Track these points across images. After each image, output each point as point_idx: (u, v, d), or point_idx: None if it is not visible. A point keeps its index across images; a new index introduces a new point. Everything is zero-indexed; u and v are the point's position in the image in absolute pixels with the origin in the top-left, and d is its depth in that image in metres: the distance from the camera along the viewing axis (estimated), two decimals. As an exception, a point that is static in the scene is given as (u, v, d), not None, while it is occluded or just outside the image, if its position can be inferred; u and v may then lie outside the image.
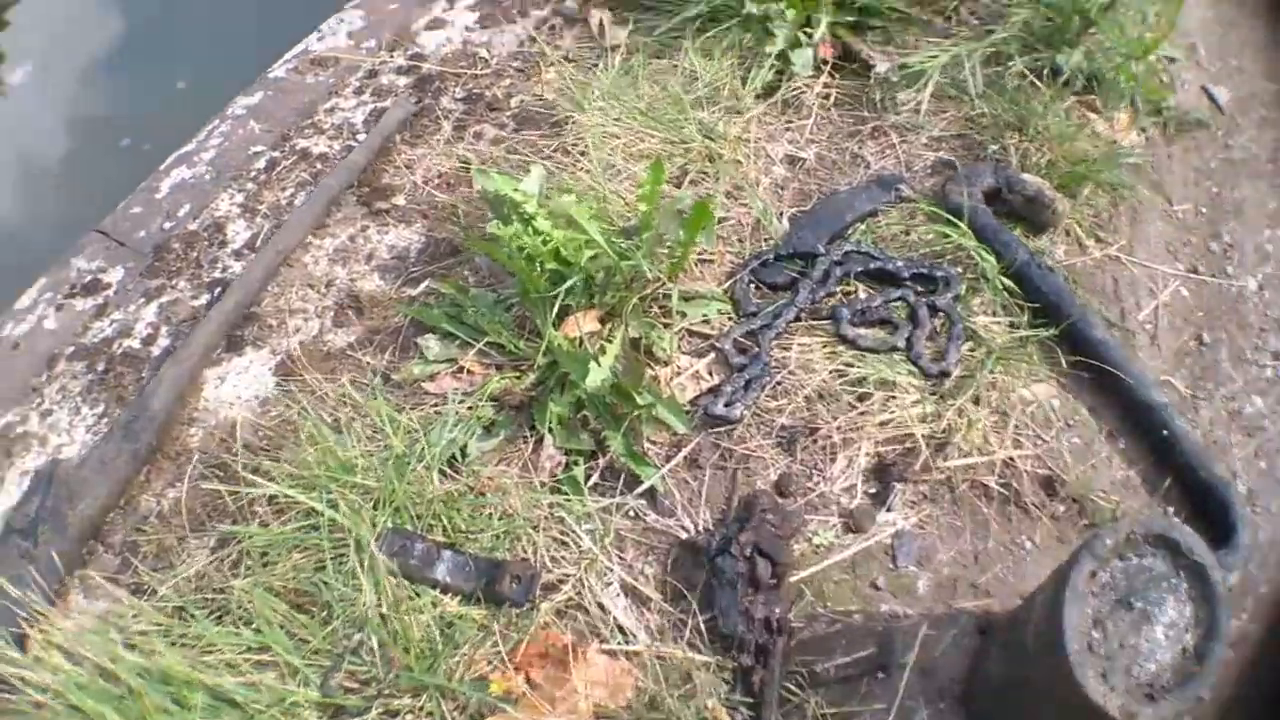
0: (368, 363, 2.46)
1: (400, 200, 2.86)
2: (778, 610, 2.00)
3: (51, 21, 5.17)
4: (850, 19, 3.04)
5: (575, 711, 1.94)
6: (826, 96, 2.92)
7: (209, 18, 4.53)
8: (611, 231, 2.39)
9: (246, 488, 2.23)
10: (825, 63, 2.96)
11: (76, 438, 2.51)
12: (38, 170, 4.45)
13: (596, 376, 2.15)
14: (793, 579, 2.09)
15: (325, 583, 2.07)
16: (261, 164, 3.04)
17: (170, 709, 1.92)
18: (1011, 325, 2.42)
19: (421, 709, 1.97)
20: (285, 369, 2.51)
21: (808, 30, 2.96)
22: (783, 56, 2.94)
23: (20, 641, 2.05)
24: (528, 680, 2.01)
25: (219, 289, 2.70)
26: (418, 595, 2.08)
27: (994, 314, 2.45)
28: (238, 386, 2.51)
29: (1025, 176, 2.61)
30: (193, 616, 2.10)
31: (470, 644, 2.03)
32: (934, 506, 2.19)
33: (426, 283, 2.63)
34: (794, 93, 2.94)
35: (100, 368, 2.63)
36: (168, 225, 2.91)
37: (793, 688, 1.97)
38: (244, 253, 2.80)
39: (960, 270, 2.49)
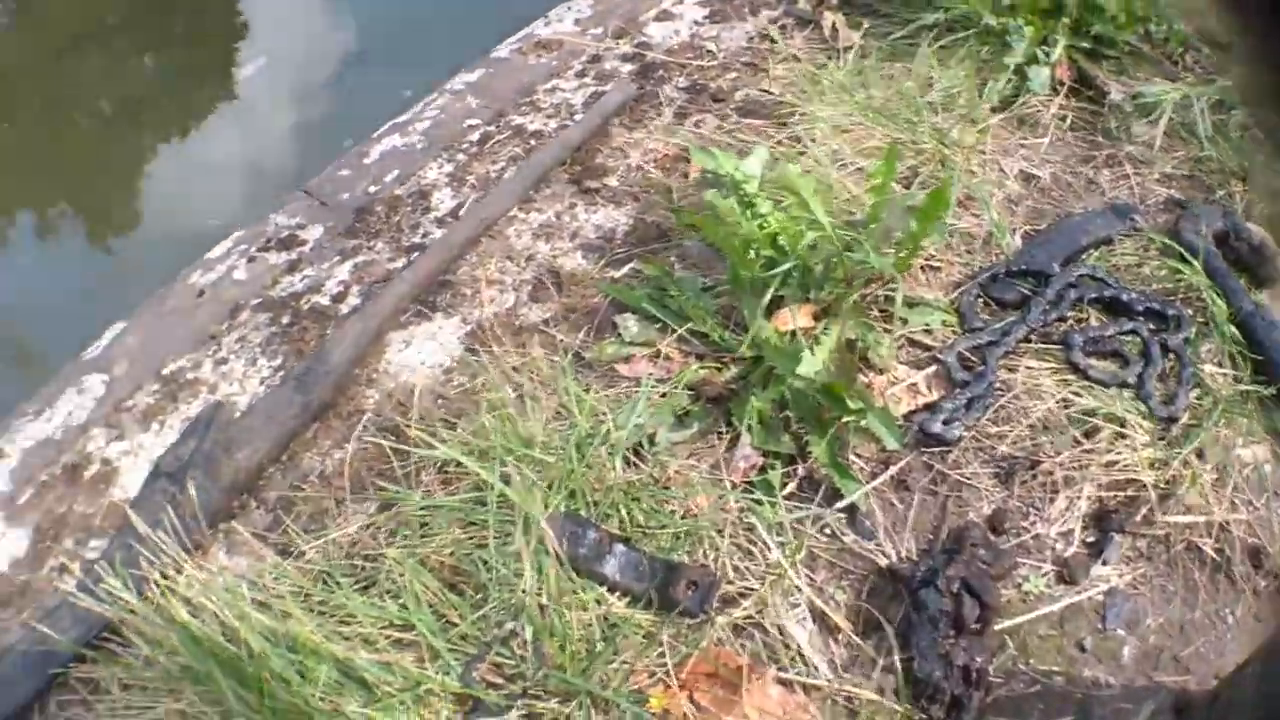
0: (560, 340, 2.24)
1: (612, 181, 2.67)
2: (979, 659, 1.69)
3: (287, 20, 5.22)
4: (1085, 45, 2.89)
5: (741, 744, 1.67)
6: (1062, 119, 2.69)
7: (437, 25, 4.47)
8: (834, 223, 2.13)
9: (416, 448, 2.02)
10: (1061, 84, 2.80)
11: (248, 388, 2.36)
12: (258, 168, 4.46)
13: (810, 365, 1.89)
14: (998, 626, 1.79)
15: (484, 561, 1.85)
16: (475, 137, 2.90)
17: (290, 679, 1.70)
18: (1235, 378, 2.13)
19: (568, 716, 1.71)
20: (474, 339, 2.31)
21: (1045, 49, 2.82)
22: (1019, 72, 2.78)
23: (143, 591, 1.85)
24: (691, 700, 1.74)
25: (416, 254, 2.53)
26: (582, 590, 1.83)
27: (1220, 363, 2.15)
28: (422, 352, 2.33)
29: (1251, 225, 2.38)
30: (337, 584, 1.89)
31: (633, 651, 1.77)
32: (1149, 565, 1.88)
33: (631, 265, 2.41)
34: (1029, 110, 2.73)
35: (285, 321, 2.48)
36: (373, 189, 2.79)
37: (980, 751, 1.67)
38: (447, 221, 2.64)
39: (1190, 312, 2.20)
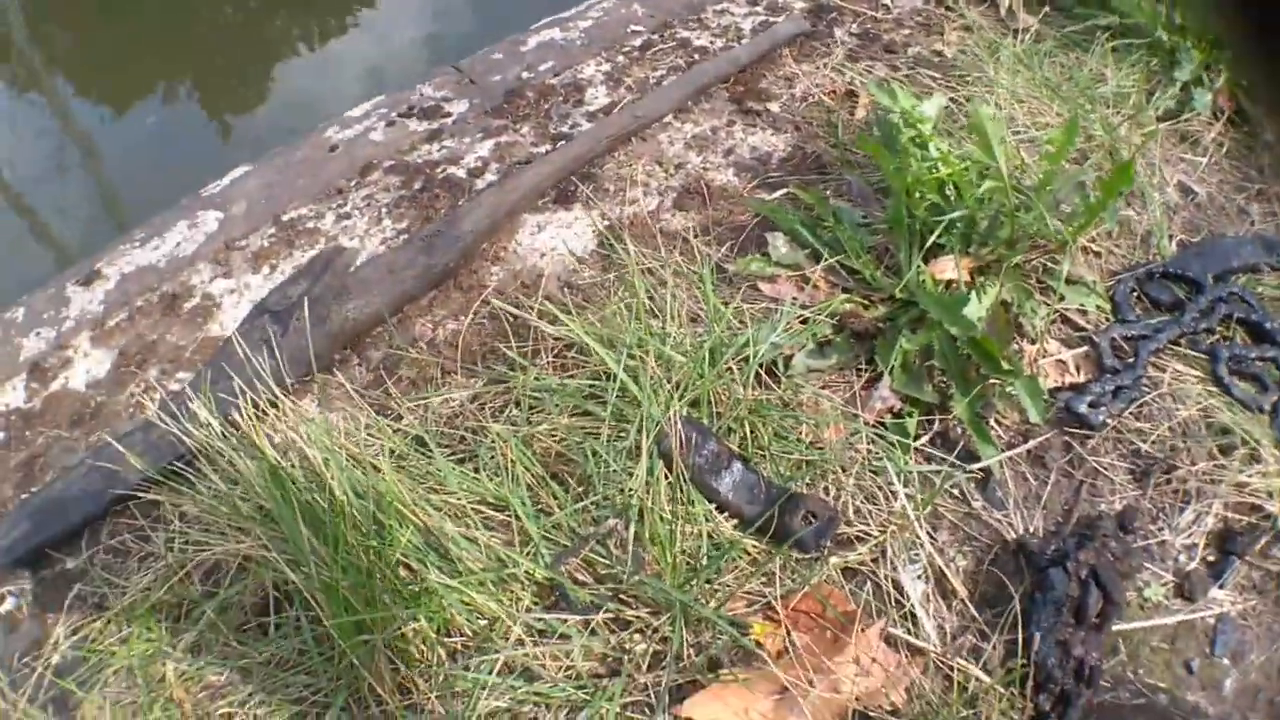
0: (702, 250, 2.07)
1: (774, 107, 2.50)
2: (1094, 655, 1.53)
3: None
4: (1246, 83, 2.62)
5: (835, 691, 1.50)
6: (1220, 144, 2.51)
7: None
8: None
9: (538, 323, 1.87)
10: (1222, 112, 2.62)
11: (369, 245, 2.23)
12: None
13: (973, 310, 1.72)
14: (1116, 627, 1.61)
15: (594, 453, 1.69)
16: (637, 43, 2.75)
17: (368, 535, 1.56)
18: None
19: (656, 629, 1.56)
20: (611, 234, 2.15)
21: (1209, 75, 2.66)
22: (1185, 89, 2.62)
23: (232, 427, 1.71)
24: (790, 637, 1.58)
25: (562, 143, 2.37)
26: (692, 503, 1.67)
27: None
28: (556, 239, 2.18)
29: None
30: (432, 452, 1.74)
31: (736, 576, 1.62)
32: (1260, 600, 1.69)
33: (785, 191, 2.24)
34: (1192, 128, 2.55)
35: (416, 186, 2.35)
36: (525, 75, 2.64)
37: (1080, 756, 1.50)
38: (598, 116, 2.48)
39: None
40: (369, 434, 1.80)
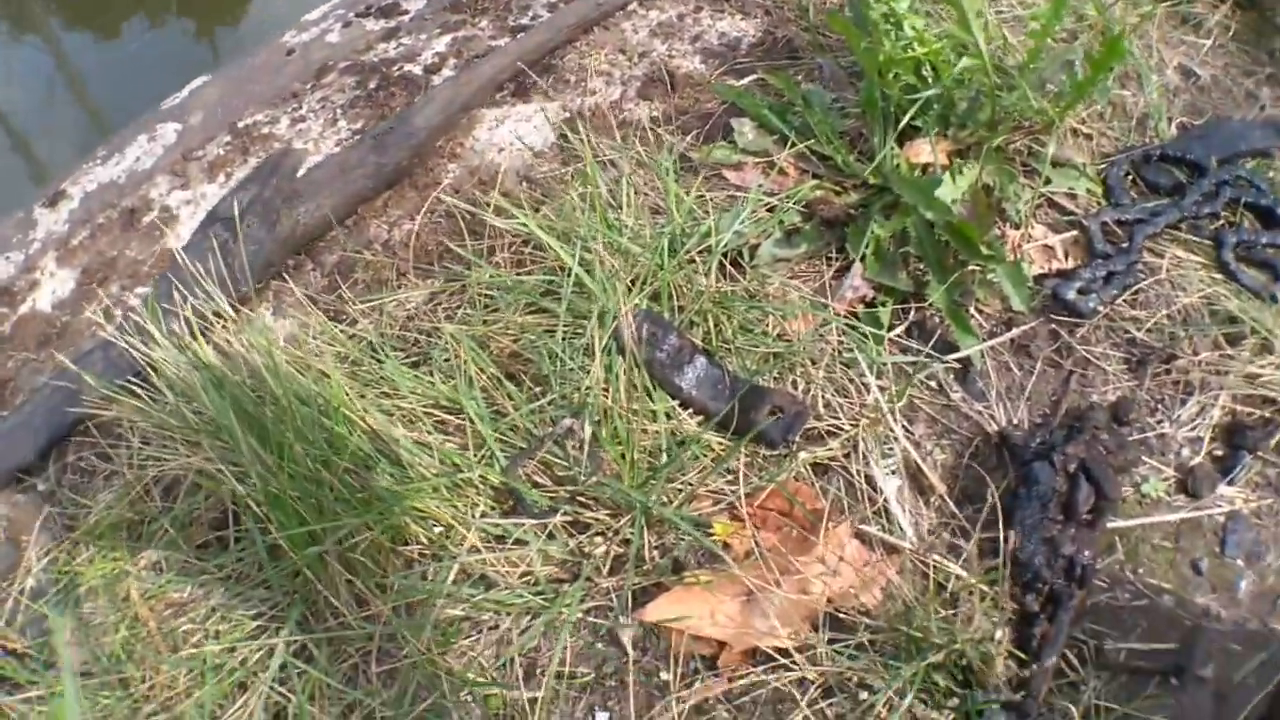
0: (666, 139, 1.93)
1: (745, -10, 2.32)
2: (1087, 553, 1.40)
3: None
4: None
5: (805, 593, 1.38)
6: (1227, 28, 2.28)
7: None
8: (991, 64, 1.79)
9: (493, 219, 1.73)
10: None
11: (323, 148, 2.09)
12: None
13: (948, 191, 1.58)
14: (1110, 524, 1.48)
15: (550, 351, 1.56)
16: (601, -72, 2.54)
17: (316, 441, 1.45)
18: None
19: (616, 532, 1.44)
20: (571, 127, 2.00)
21: None
22: None
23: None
24: (757, 537, 1.46)
25: (523, 35, 2.21)
26: (652, 399, 1.55)
27: None
28: (514, 132, 2.03)
29: None
30: (386, 356, 1.62)
31: (699, 473, 1.49)
32: (1277, 498, 1.54)
33: (754, 77, 2.08)
34: (1195, 10, 2.31)
35: (372, 85, 2.20)
36: (485, -33, 2.46)
37: (1073, 658, 1.37)
38: (559, 6, 2.30)
39: None
40: (322, 340, 1.68)
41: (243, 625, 1.46)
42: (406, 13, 2.37)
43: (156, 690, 1.41)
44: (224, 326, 1.64)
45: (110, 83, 3.81)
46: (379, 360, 1.62)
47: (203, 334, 1.59)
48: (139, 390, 1.61)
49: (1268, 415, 1.59)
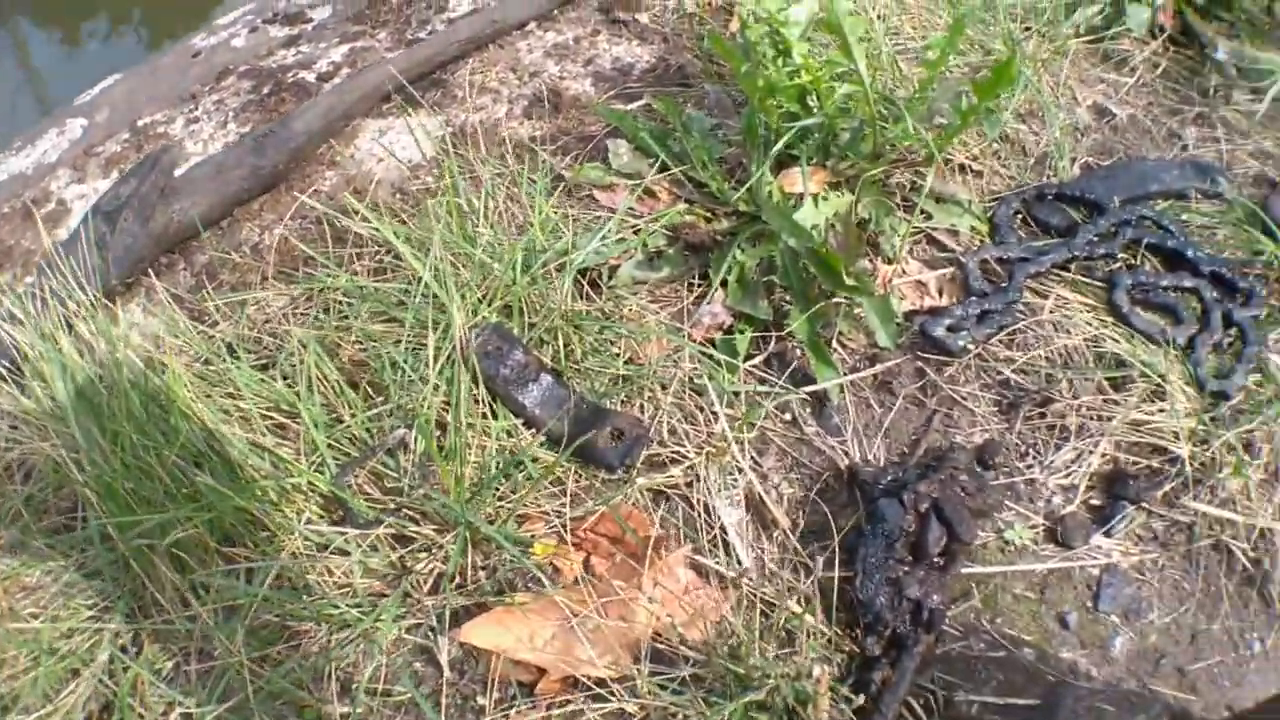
0: (544, 159, 1.85)
1: (644, 18, 2.26)
2: (935, 597, 1.32)
3: None
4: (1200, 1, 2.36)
5: (630, 621, 1.30)
6: (1155, 65, 2.20)
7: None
8: (875, 90, 1.72)
9: (359, 224, 1.66)
10: (1161, 30, 2.29)
11: (211, 150, 2.01)
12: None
13: (808, 216, 1.51)
14: (965, 569, 1.41)
15: (391, 359, 1.48)
16: (511, -49, 2.49)
17: (149, 431, 1.38)
18: None
19: (440, 547, 1.36)
20: (453, 141, 1.93)
21: None
22: (1117, 4, 2.27)
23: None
24: (586, 563, 1.38)
25: (413, 47, 2.14)
26: (493, 416, 1.47)
27: None
28: (395, 144, 1.96)
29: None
30: (237, 357, 1.54)
31: (533, 494, 1.41)
32: (1162, 553, 1.46)
33: (641, 102, 2.01)
34: (1119, 47, 2.23)
35: (265, 90, 2.14)
36: (393, -19, 2.40)
37: (918, 709, 1.29)
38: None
39: (1265, 292, 1.73)
40: (179, 337, 1.60)
41: (78, 614, 1.40)
42: (310, 21, 2.31)
43: (2, 665, 1.36)
44: (87, 318, 1.57)
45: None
46: (230, 361, 1.53)
47: (67, 324, 1.54)
48: (6, 375, 1.57)
49: (1154, 465, 1.51)
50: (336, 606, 1.34)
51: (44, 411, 1.49)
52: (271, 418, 1.48)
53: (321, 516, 1.41)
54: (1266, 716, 1.15)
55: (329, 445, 1.44)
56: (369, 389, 1.51)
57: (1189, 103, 2.10)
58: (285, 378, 1.52)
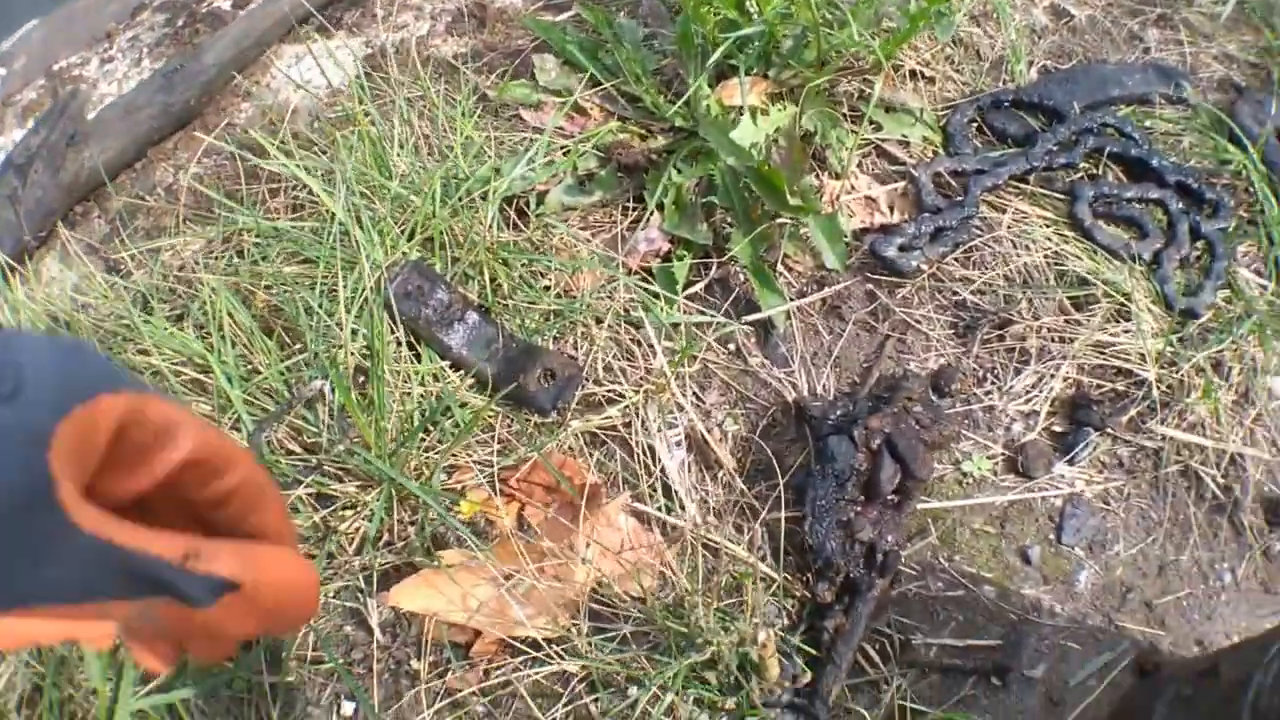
0: (469, 78, 1.68)
1: (575, -77, 2.07)
2: (890, 538, 1.19)
3: None
4: None
5: (566, 579, 1.18)
6: None
7: None
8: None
9: (268, 162, 1.50)
10: None
11: (126, 89, 1.83)
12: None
13: (746, 134, 1.36)
14: (921, 505, 1.28)
15: (306, 304, 1.34)
16: None
17: None
18: (1276, 295, 1.51)
19: (364, 504, 1.22)
20: (372, 64, 1.76)
21: None
22: None
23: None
24: (519, 516, 1.25)
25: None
26: (417, 360, 1.33)
27: (1260, 271, 1.54)
28: (312, 71, 1.78)
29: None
30: (149, 310, 1.39)
31: (461, 443, 1.27)
32: (1129, 481, 1.34)
33: (572, 12, 1.82)
34: None
35: (180, 22, 1.95)
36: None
37: (874, 655, 1.19)
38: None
39: (1234, 203, 1.59)
40: (96, 295, 1.46)
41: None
42: (228, -54, 2.12)
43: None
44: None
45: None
46: (142, 315, 1.39)
47: None
48: None
49: (1119, 388, 1.38)
50: (255, 573, 1.21)
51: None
52: (185, 373, 1.34)
53: (238, 477, 1.28)
54: (1243, 653, 1.04)
55: (245, 401, 1.30)
56: (285, 336, 1.36)
57: (1150, 3, 1.93)
58: (200, 328, 1.38)
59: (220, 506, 0.56)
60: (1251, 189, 1.59)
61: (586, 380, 1.33)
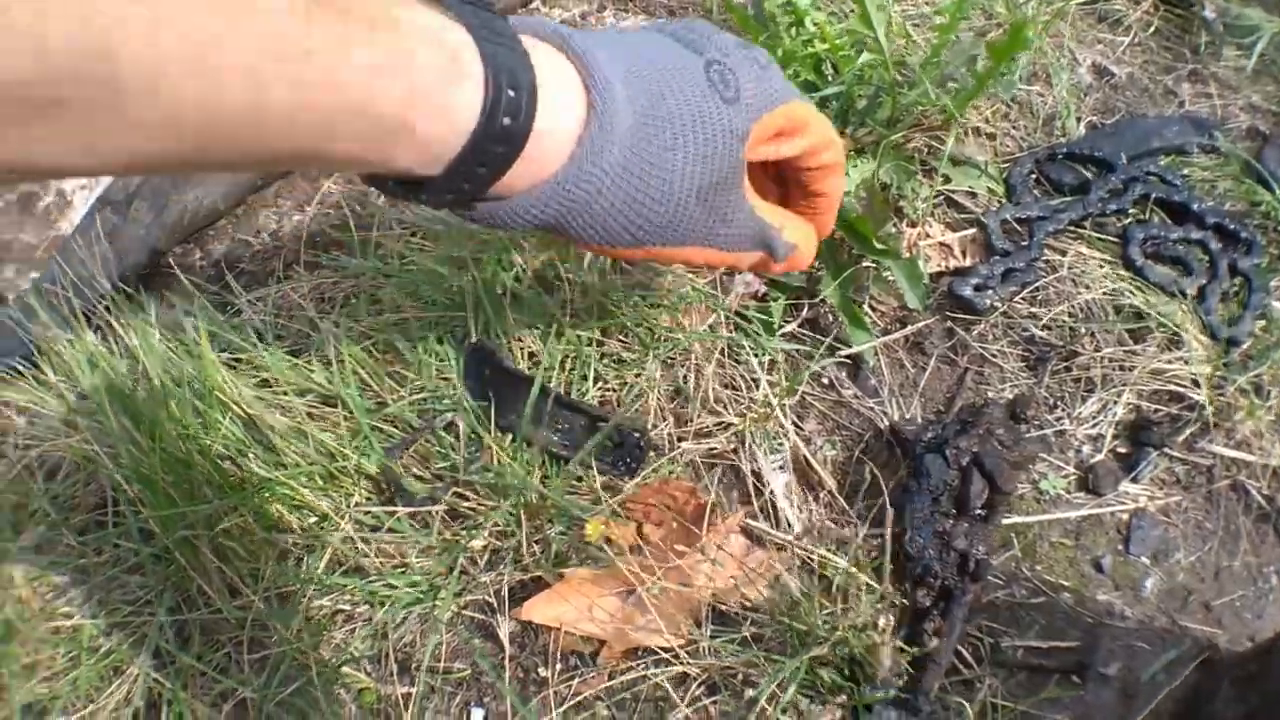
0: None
1: (647, -11, 2.25)
2: (980, 549, 1.34)
3: None
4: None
5: (688, 585, 1.32)
6: (1147, 25, 2.22)
7: None
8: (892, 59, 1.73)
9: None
10: None
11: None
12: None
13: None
14: (1005, 520, 1.44)
15: (424, 345, 1.49)
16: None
17: (189, 423, 1.39)
18: None
19: (492, 523, 1.37)
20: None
21: None
22: None
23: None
24: (640, 531, 1.40)
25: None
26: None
27: None
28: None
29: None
30: (267, 345, 1.54)
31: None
32: (1185, 495, 1.49)
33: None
34: (1113, 8, 2.24)
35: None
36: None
37: (967, 656, 1.32)
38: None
39: (1265, 241, 1.77)
40: (204, 327, 1.60)
41: (119, 610, 1.39)
42: None
43: (37, 668, 1.36)
44: (106, 309, 1.59)
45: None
46: (260, 349, 1.53)
47: (86, 316, 1.56)
48: (24, 372, 1.57)
49: (1174, 411, 1.54)
50: (393, 586, 1.36)
51: (69, 406, 1.48)
52: (309, 405, 1.49)
53: (369, 498, 1.42)
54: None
55: (372, 428, 1.45)
56: (409, 373, 1.51)
57: (1182, 60, 2.13)
58: (323, 362, 1.53)
59: (809, 172, 0.96)
60: (1280, 230, 1.79)
61: (651, 445, 1.48)
